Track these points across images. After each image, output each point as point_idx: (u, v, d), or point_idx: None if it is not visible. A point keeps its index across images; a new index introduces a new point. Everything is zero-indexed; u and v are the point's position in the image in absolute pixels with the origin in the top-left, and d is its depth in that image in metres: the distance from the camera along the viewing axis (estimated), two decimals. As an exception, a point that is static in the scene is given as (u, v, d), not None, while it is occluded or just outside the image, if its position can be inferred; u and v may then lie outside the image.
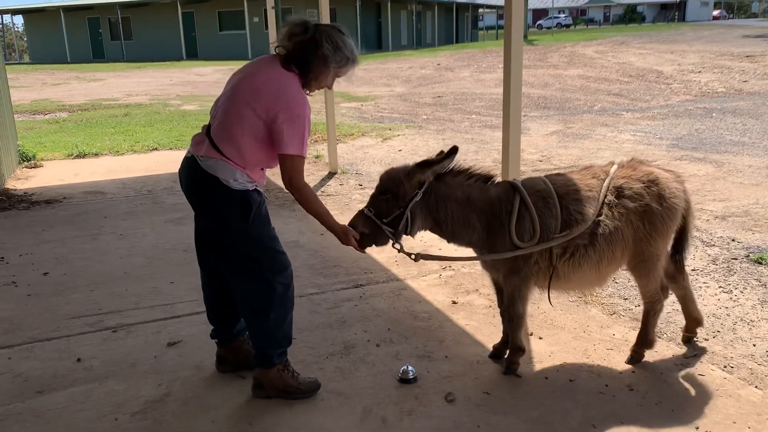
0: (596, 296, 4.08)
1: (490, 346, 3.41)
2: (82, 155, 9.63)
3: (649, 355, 3.27)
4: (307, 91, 2.83)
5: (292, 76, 2.73)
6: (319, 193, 7.11)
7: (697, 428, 2.70)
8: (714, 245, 4.97)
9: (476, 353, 3.41)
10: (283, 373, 2.98)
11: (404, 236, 3.00)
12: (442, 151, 2.99)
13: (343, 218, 6.17)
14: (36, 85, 23.13)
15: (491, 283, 3.38)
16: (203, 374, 3.28)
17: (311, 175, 8.01)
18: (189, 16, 38.26)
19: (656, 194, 3.01)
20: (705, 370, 3.17)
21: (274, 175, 8.07)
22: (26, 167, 8.83)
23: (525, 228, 2.96)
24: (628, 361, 3.24)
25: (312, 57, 2.73)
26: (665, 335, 3.56)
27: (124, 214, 6.42)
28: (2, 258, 5.17)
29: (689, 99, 13.82)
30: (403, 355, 3.41)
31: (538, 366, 3.26)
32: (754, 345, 3.44)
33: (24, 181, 8.02)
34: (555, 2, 78.13)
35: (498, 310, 3.37)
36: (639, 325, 3.33)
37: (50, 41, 42.27)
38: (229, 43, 36.52)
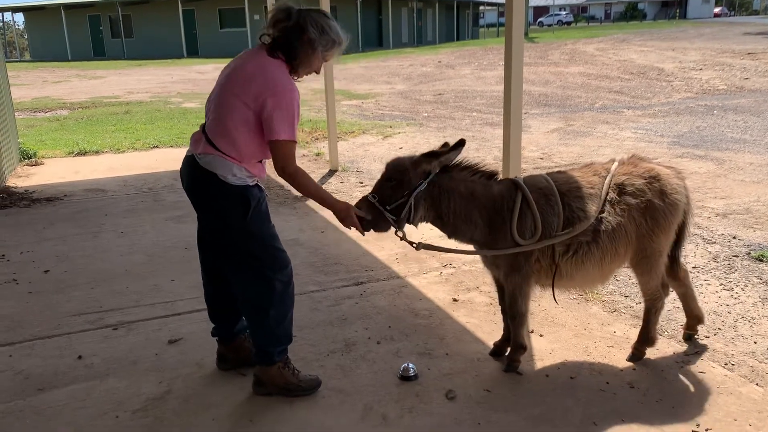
0: (597, 294, 4.08)
1: (490, 344, 3.41)
2: (82, 153, 9.64)
3: (650, 353, 3.27)
4: (296, 77, 2.82)
5: (278, 63, 2.72)
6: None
7: (698, 425, 2.70)
8: (715, 243, 4.96)
9: (477, 351, 3.40)
10: (284, 370, 2.98)
11: (406, 225, 3.00)
12: (447, 143, 2.99)
13: (344, 216, 6.15)
14: (37, 83, 23.14)
15: (492, 281, 3.38)
16: (204, 372, 3.28)
17: (312, 173, 8.01)
18: (190, 13, 38.25)
19: (658, 190, 3.01)
20: (706, 367, 3.17)
21: (274, 172, 8.08)
22: (27, 165, 8.83)
23: (527, 225, 2.96)
24: (629, 359, 3.24)
25: (298, 42, 2.72)
26: (666, 333, 3.56)
27: (125, 211, 6.42)
28: (3, 255, 5.17)
29: (690, 96, 13.81)
30: (403, 352, 3.41)
31: (539, 363, 3.26)
32: (755, 342, 3.44)
33: (25, 178, 8.02)
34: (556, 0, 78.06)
35: (499, 308, 3.37)
36: (640, 322, 3.33)
37: (51, 39, 42.28)
38: (229, 41, 36.46)
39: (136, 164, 8.80)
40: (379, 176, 3.02)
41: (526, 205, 2.97)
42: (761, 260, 4.55)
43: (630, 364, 3.21)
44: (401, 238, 3.01)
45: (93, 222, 6.07)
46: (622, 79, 16.88)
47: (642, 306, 3.33)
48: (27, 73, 27.77)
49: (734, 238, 5.04)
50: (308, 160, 8.84)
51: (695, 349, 3.35)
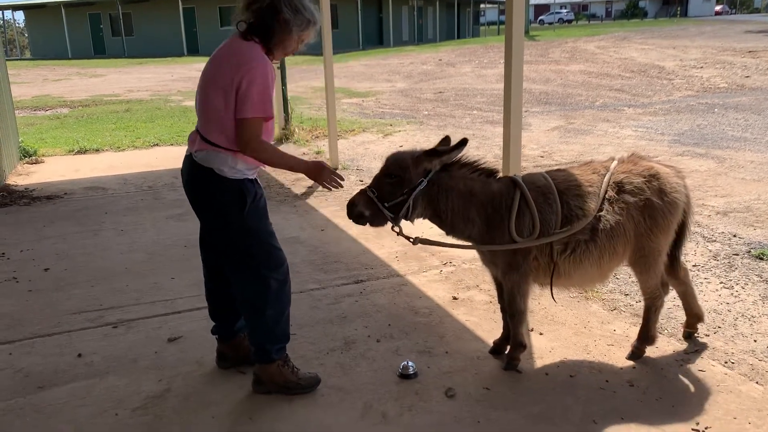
0: (597, 292, 4.08)
1: (490, 342, 3.41)
2: (83, 151, 9.64)
3: (650, 351, 3.27)
4: (272, 59, 2.80)
5: (251, 44, 2.70)
6: (319, 188, 7.10)
7: (698, 424, 2.70)
8: (715, 241, 4.96)
9: (477, 349, 3.40)
10: (283, 368, 2.98)
11: (403, 221, 2.99)
12: (447, 137, 2.98)
13: (344, 214, 6.18)
14: (37, 81, 23.14)
15: (492, 279, 3.37)
16: (204, 370, 3.28)
17: (312, 171, 8.00)
18: (190, 11, 38.22)
19: (657, 189, 3.01)
20: (706, 365, 3.17)
21: (275, 171, 8.07)
22: (27, 163, 8.83)
23: (524, 223, 2.96)
24: (629, 357, 3.24)
25: (273, 23, 2.70)
26: (666, 331, 3.55)
27: (125, 209, 6.42)
28: (3, 254, 5.18)
29: (691, 94, 13.79)
30: (403, 350, 3.41)
31: (538, 362, 3.26)
32: (755, 341, 3.44)
33: (25, 176, 8.02)
34: (557, -3, 77.94)
35: (498, 306, 3.37)
36: (640, 321, 3.32)
37: (51, 37, 42.26)
38: (230, 39, 36.39)
39: (136, 162, 8.80)
40: (381, 168, 2.99)
41: (524, 204, 2.97)
42: (761, 258, 4.55)
43: (630, 362, 3.21)
44: (398, 234, 3.01)
45: (93, 220, 6.07)
46: (623, 77, 16.86)
47: (642, 304, 3.33)
48: (27, 71, 27.77)
49: (734, 236, 5.04)
50: (309, 159, 8.82)
51: (695, 348, 3.35)
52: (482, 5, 58.82)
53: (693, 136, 9.30)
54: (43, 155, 9.28)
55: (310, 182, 7.40)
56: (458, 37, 48.10)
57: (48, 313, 4.00)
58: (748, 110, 11.33)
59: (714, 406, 2.82)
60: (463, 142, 2.88)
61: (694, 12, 65.77)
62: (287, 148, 9.65)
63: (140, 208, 6.45)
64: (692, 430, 2.67)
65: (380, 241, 5.11)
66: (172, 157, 8.90)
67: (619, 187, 3.01)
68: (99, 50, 41.17)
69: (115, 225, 5.90)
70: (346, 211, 2.99)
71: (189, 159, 2.83)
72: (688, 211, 3.18)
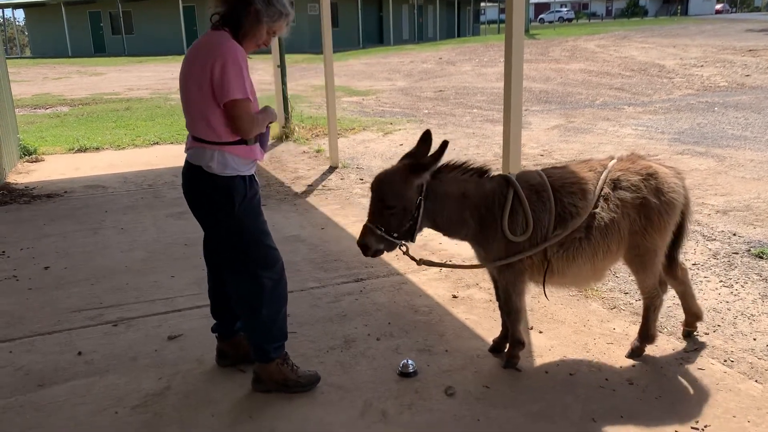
0: (597, 290, 4.08)
1: (490, 340, 3.41)
2: (83, 149, 9.64)
3: (649, 350, 3.27)
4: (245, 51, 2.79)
5: (221, 33, 2.70)
6: (320, 187, 7.12)
7: (697, 422, 2.70)
8: (715, 240, 4.96)
9: (476, 347, 3.41)
10: (283, 366, 2.98)
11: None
12: (427, 132, 2.92)
13: (344, 212, 6.19)
14: (37, 80, 23.13)
15: (490, 278, 3.38)
16: (204, 368, 3.28)
17: (312, 170, 8.01)
18: (190, 10, 38.18)
19: (654, 188, 2.99)
20: (705, 364, 3.17)
21: (275, 169, 8.07)
22: (27, 161, 8.83)
23: (518, 222, 2.95)
24: (629, 356, 3.24)
25: (243, 13, 2.70)
26: (666, 329, 3.56)
27: (125, 208, 6.42)
28: (3, 252, 5.18)
29: (691, 93, 13.79)
30: (403, 348, 3.41)
31: (538, 360, 3.26)
32: (755, 339, 3.44)
33: (25, 175, 8.03)
34: (557, -4, 77.89)
35: (497, 304, 3.37)
36: (639, 319, 3.33)
37: (51, 35, 42.24)
38: (230, 37, 36.36)
39: (136, 161, 8.80)
40: (373, 197, 2.91)
41: (517, 202, 2.96)
42: (761, 257, 4.55)
43: (629, 360, 3.21)
44: (404, 253, 3.00)
45: (93, 218, 6.07)
46: (623, 75, 16.85)
47: (641, 303, 3.33)
48: (27, 70, 27.75)
49: (734, 235, 5.04)
50: (308, 157, 8.84)
51: (694, 346, 3.35)
52: (482, 4, 58.80)
53: (693, 134, 9.30)
54: (43, 153, 9.29)
55: (311, 181, 7.41)
56: (458, 36, 48.08)
57: (48, 312, 4.01)
58: (749, 109, 11.33)
59: (713, 405, 2.82)
60: (445, 145, 2.84)
61: (695, 11, 65.74)
62: (287, 147, 9.66)
63: (140, 207, 6.45)
64: (691, 428, 2.67)
65: (380, 240, 5.11)
66: (172, 155, 8.90)
67: (615, 185, 3.00)
68: (99, 48, 41.15)
69: (115, 223, 5.90)
70: (361, 251, 2.95)
71: (185, 161, 2.85)
72: (686, 211, 3.16)
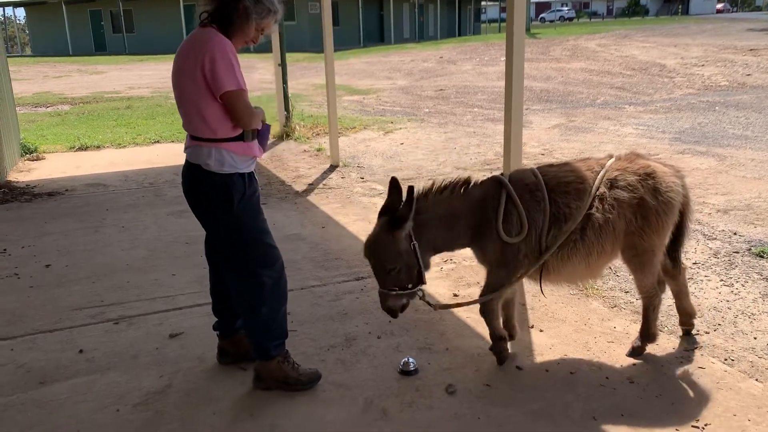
0: (597, 289, 4.08)
1: (490, 339, 3.41)
2: (84, 148, 9.65)
3: (650, 348, 3.27)
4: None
5: (209, 29, 2.71)
6: (320, 186, 7.12)
7: (698, 421, 2.71)
8: (716, 239, 4.96)
9: (477, 345, 3.41)
10: (283, 365, 2.99)
11: None
12: (394, 183, 2.87)
13: (345, 211, 6.19)
14: (38, 78, 23.13)
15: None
16: (205, 366, 3.29)
17: (313, 168, 8.02)
18: (191, 9, 38.11)
19: (651, 188, 2.98)
20: (706, 363, 3.17)
21: (276, 168, 8.08)
22: (28, 160, 8.84)
23: (512, 223, 2.95)
24: (629, 354, 3.24)
25: (233, 9, 2.72)
26: (666, 328, 3.56)
27: (126, 206, 6.43)
28: (5, 250, 5.19)
29: (692, 92, 13.78)
30: (404, 347, 3.41)
31: (538, 358, 3.27)
32: (755, 338, 3.44)
33: (26, 173, 8.03)
34: (558, -5, 77.85)
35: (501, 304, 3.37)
36: (640, 318, 3.33)
37: (52, 34, 42.23)
38: (230, 36, 36.34)
39: (137, 159, 8.81)
40: (372, 265, 2.93)
41: (511, 204, 2.95)
42: (762, 256, 4.55)
43: (630, 359, 3.21)
44: (420, 298, 3.00)
45: (94, 217, 6.08)
46: (624, 75, 16.84)
47: (641, 302, 3.33)
48: (28, 68, 27.75)
49: (735, 234, 5.04)
50: (309, 156, 8.84)
51: (695, 345, 3.35)
52: (483, 2, 58.77)
53: (694, 134, 9.30)
54: (44, 152, 9.29)
55: (312, 179, 7.42)
56: (459, 35, 48.04)
57: (49, 309, 4.01)
58: (749, 108, 11.33)
59: (714, 403, 2.83)
60: (411, 190, 2.79)
61: (696, 10, 65.68)
62: (288, 145, 9.66)
63: (141, 205, 6.46)
64: (692, 427, 2.67)
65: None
66: (172, 153, 8.90)
67: (612, 184, 2.99)
68: (100, 47, 41.13)
69: (116, 221, 5.90)
70: (389, 315, 2.96)
71: (185, 160, 2.86)
72: (686, 210, 3.15)
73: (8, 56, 11.53)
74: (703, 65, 17.25)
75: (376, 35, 39.50)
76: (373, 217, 5.85)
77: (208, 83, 2.63)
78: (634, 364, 3.17)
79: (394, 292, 2.87)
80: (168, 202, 6.50)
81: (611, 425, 2.70)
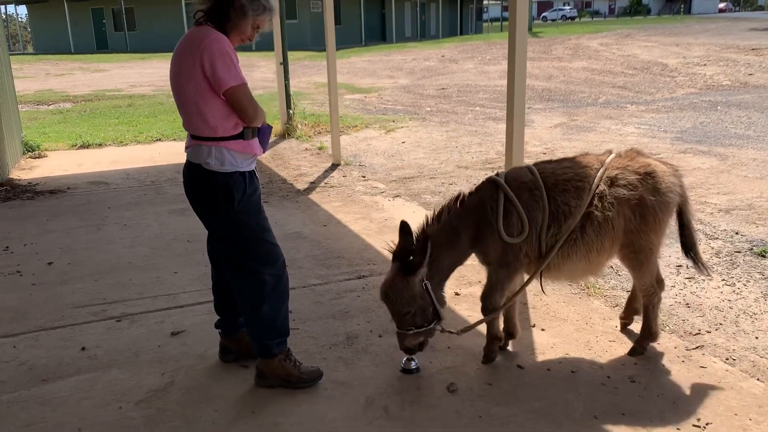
0: (599, 288, 4.08)
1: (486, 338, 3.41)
2: (85, 146, 9.65)
3: (651, 347, 3.27)
4: None
5: (205, 27, 2.72)
6: (322, 184, 7.13)
7: (699, 420, 2.71)
8: (717, 238, 4.96)
9: (479, 344, 3.40)
10: (285, 362, 2.99)
11: None
12: (404, 226, 2.90)
13: (347, 209, 6.19)
14: (40, 76, 23.14)
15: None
16: (207, 364, 3.29)
17: (314, 167, 8.02)
18: (192, 6, 38.17)
19: (651, 187, 2.98)
20: (707, 362, 3.17)
21: (277, 166, 8.08)
22: (30, 157, 8.85)
23: (513, 223, 2.95)
24: (631, 353, 3.24)
25: (229, 7, 2.73)
26: (667, 327, 3.56)
27: (128, 204, 6.44)
28: (7, 248, 5.19)
29: (694, 92, 13.77)
30: (405, 345, 3.41)
31: (540, 357, 3.27)
32: (757, 337, 3.44)
33: (28, 171, 8.04)
34: (560, -6, 77.79)
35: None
36: (641, 317, 3.33)
37: (54, 31, 42.24)
38: (232, 34, 36.33)
39: (138, 157, 8.81)
40: (388, 308, 2.97)
41: (509, 204, 2.96)
42: (763, 256, 4.55)
43: (631, 358, 3.21)
44: (442, 331, 3.07)
45: (96, 214, 6.08)
46: (626, 74, 16.83)
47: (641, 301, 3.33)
48: (30, 66, 27.76)
49: (737, 233, 5.04)
50: (311, 154, 8.84)
51: (696, 344, 3.35)
52: (485, 1, 58.75)
53: (696, 133, 9.29)
54: (46, 150, 9.30)
55: (313, 178, 7.42)
56: (461, 34, 48.00)
57: (52, 307, 4.02)
58: (751, 108, 11.31)
59: (715, 403, 2.83)
60: (426, 241, 2.84)
61: (698, 9, 65.59)
62: (290, 144, 9.66)
63: (143, 203, 6.47)
64: (693, 426, 2.67)
65: (382, 237, 5.11)
66: (174, 152, 8.91)
67: (612, 182, 2.99)
68: (101, 45, 41.14)
69: (118, 219, 5.91)
70: (407, 352, 3.04)
71: (186, 160, 2.86)
72: (685, 209, 3.15)
73: (10, 54, 11.54)
74: (705, 65, 17.23)
75: (378, 34, 39.48)
76: (375, 216, 5.89)
77: (209, 81, 2.64)
78: (635, 363, 3.17)
79: (411, 332, 2.93)
80: (170, 200, 6.50)
81: (612, 424, 2.70)
